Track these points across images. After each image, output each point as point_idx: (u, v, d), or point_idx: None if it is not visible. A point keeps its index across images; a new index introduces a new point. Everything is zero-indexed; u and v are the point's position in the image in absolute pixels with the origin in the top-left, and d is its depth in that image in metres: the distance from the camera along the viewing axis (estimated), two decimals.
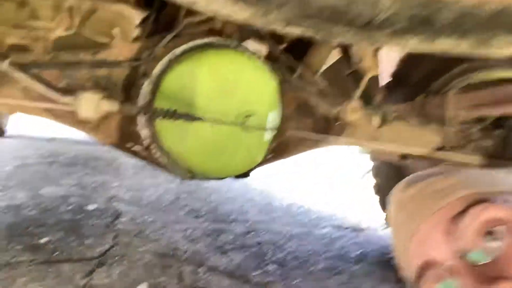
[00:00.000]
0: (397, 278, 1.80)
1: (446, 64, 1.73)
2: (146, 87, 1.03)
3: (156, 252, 1.71)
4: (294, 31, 0.62)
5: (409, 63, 1.90)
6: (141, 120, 1.07)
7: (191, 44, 1.08)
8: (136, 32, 1.01)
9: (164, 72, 1.04)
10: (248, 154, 1.14)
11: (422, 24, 0.63)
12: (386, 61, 2.08)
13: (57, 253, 1.56)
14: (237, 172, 1.22)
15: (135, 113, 0.89)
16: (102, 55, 0.97)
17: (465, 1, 0.62)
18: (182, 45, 1.07)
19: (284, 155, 1.34)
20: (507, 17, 0.63)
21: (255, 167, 1.25)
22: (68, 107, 0.83)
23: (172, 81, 1.02)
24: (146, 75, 1.02)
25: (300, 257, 1.91)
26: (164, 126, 1.06)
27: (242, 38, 1.17)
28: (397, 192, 0.61)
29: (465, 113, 1.56)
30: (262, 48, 1.21)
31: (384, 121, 1.38)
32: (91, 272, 1.45)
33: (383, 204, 2.09)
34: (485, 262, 0.48)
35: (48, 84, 0.80)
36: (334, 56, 1.80)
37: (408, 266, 0.54)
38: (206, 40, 1.10)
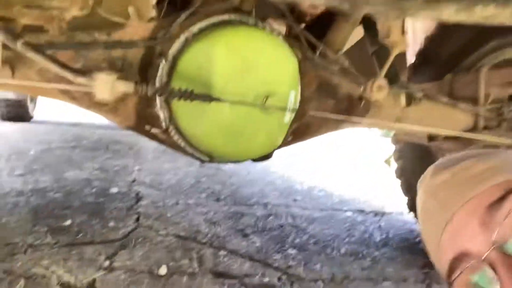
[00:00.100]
0: (422, 263, 1.75)
1: (477, 40, 1.63)
2: (162, 67, 1.00)
3: (177, 235, 1.72)
4: (319, 2, 0.57)
5: (437, 40, 1.81)
6: (158, 101, 1.05)
7: (207, 22, 1.04)
8: (152, 11, 0.98)
9: (180, 51, 1.01)
10: (267, 136, 1.10)
11: None
12: (411, 39, 1.99)
13: (80, 235, 1.59)
14: (257, 155, 1.19)
15: (151, 94, 0.87)
16: (117, 35, 0.95)
17: None
18: (199, 23, 1.03)
19: (305, 137, 1.30)
20: None
21: (275, 150, 1.21)
22: (84, 88, 0.81)
23: (189, 60, 0.99)
24: (162, 55, 0.99)
25: (321, 241, 1.88)
26: (182, 108, 1.03)
27: (261, 15, 1.12)
28: (426, 178, 0.56)
29: (498, 91, 1.48)
30: (282, 26, 1.17)
31: (411, 101, 1.31)
32: (113, 254, 1.47)
33: (406, 189, 2.03)
34: None
35: (63, 65, 0.78)
36: (358, 34, 1.73)
37: (440, 258, 0.50)
38: (223, 17, 1.05)
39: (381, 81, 1.15)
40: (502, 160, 0.50)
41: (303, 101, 1.18)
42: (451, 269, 0.48)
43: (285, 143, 1.23)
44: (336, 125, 1.34)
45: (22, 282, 1.20)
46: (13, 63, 0.86)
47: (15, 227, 1.59)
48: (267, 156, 1.23)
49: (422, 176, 0.57)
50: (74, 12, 0.89)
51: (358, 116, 1.31)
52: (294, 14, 1.28)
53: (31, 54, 0.75)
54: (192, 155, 1.17)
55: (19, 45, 0.75)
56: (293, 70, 1.08)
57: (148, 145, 3.55)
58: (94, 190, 2.19)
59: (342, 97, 1.29)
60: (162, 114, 1.06)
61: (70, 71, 0.78)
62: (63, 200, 1.98)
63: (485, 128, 1.45)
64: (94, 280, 1.27)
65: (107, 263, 1.39)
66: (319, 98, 1.25)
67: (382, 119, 1.33)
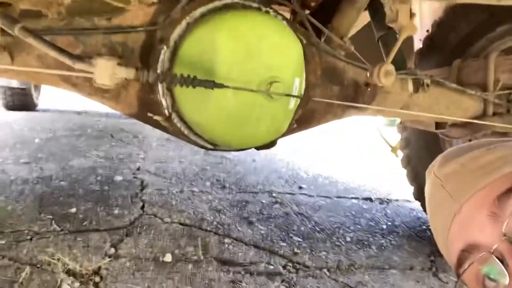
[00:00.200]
0: (428, 251, 1.74)
1: (486, 26, 1.60)
2: (164, 53, 0.98)
3: (182, 222, 1.72)
4: None
5: (445, 25, 1.78)
6: (161, 88, 1.03)
7: (210, 6, 1.01)
8: None
9: (182, 37, 0.99)
10: (272, 124, 1.08)
11: None
12: (419, 24, 1.95)
13: (85, 223, 1.59)
14: (261, 143, 1.17)
15: (152, 80, 0.85)
16: (117, 20, 0.92)
17: None
18: (201, 8, 1.00)
19: (310, 125, 1.28)
20: None
21: (279, 137, 1.19)
22: (84, 74, 0.80)
23: (191, 46, 0.97)
24: (163, 40, 0.97)
25: (327, 229, 1.88)
26: (184, 95, 1.01)
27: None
28: (435, 168, 0.54)
29: (507, 77, 1.45)
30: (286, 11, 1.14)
31: (418, 87, 1.28)
32: (119, 242, 1.47)
33: (413, 178, 2.01)
34: None
35: (62, 50, 0.76)
36: (364, 19, 1.70)
37: (449, 249, 0.49)
38: (225, 1, 1.03)
39: (389, 66, 1.12)
40: (510, 150, 0.49)
41: (308, 87, 1.15)
42: (460, 260, 0.47)
43: (290, 130, 1.21)
44: (341, 112, 1.31)
45: (27, 269, 1.21)
46: (12, 49, 0.84)
47: (20, 215, 1.59)
48: (271, 144, 1.21)
49: (430, 166, 0.56)
50: None
51: (364, 103, 1.29)
52: None
53: (29, 40, 0.74)
54: (195, 143, 1.15)
55: (16, 30, 0.73)
56: (298, 56, 1.05)
57: (152, 133, 3.55)
58: (99, 178, 2.20)
59: (348, 83, 1.26)
60: (164, 101, 1.05)
61: (69, 56, 0.77)
62: (68, 188, 1.98)
63: (494, 114, 1.42)
64: (99, 268, 1.27)
65: (112, 250, 1.39)
66: (325, 84, 1.22)
67: (389, 106, 1.30)
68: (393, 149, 1.51)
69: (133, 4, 0.95)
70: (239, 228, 1.74)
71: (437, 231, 0.53)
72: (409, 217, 2.20)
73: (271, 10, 1.09)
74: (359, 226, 1.96)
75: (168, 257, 1.40)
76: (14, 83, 4.06)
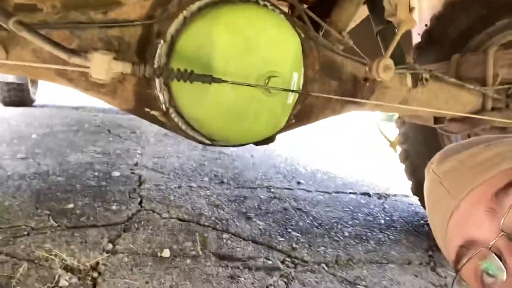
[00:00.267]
0: (426, 245, 1.75)
1: (485, 20, 1.59)
2: (161, 47, 0.97)
3: (180, 218, 1.72)
4: None
5: (444, 19, 1.77)
6: (158, 83, 1.02)
7: None
8: None
9: (179, 31, 0.98)
10: (270, 119, 1.07)
11: None
12: (417, 20, 1.94)
13: (83, 218, 1.58)
14: (259, 138, 1.16)
15: (149, 75, 0.84)
16: (114, 14, 0.91)
17: None
18: (198, 2, 0.99)
19: (309, 120, 1.27)
20: None
21: (278, 133, 1.19)
22: (80, 68, 0.79)
23: (188, 40, 0.96)
24: (160, 34, 0.96)
25: (325, 224, 1.88)
26: (182, 89, 1.01)
27: None
28: (433, 165, 0.54)
29: (506, 72, 1.44)
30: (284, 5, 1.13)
31: (417, 82, 1.28)
32: (116, 237, 1.47)
33: (411, 173, 2.01)
34: None
35: (57, 45, 0.75)
36: (363, 13, 1.69)
37: (447, 245, 0.49)
38: None
39: (387, 61, 1.11)
40: (508, 147, 0.49)
41: (306, 82, 1.15)
42: (458, 256, 0.47)
43: (288, 126, 1.20)
44: (340, 107, 1.31)
45: (25, 265, 1.20)
46: (7, 43, 0.83)
47: (17, 210, 1.59)
48: (269, 139, 1.21)
49: (429, 163, 0.56)
50: None
51: (363, 98, 1.28)
52: None
53: (24, 34, 0.73)
54: (193, 138, 1.15)
55: (11, 24, 0.72)
56: (296, 50, 1.04)
57: (150, 128, 3.54)
58: (96, 173, 2.19)
59: (347, 78, 1.25)
60: (161, 96, 1.04)
61: (64, 50, 0.76)
62: (66, 183, 1.97)
63: (493, 109, 1.41)
64: (97, 263, 1.27)
65: (110, 246, 1.39)
66: (323, 79, 1.21)
67: (388, 100, 1.30)
68: (392, 144, 1.51)
69: None
70: (237, 223, 1.74)
71: (435, 227, 0.53)
72: (407, 212, 2.20)
73: (269, 4, 1.08)
74: (357, 221, 1.97)
75: (166, 253, 1.40)
76: (11, 78, 4.03)
